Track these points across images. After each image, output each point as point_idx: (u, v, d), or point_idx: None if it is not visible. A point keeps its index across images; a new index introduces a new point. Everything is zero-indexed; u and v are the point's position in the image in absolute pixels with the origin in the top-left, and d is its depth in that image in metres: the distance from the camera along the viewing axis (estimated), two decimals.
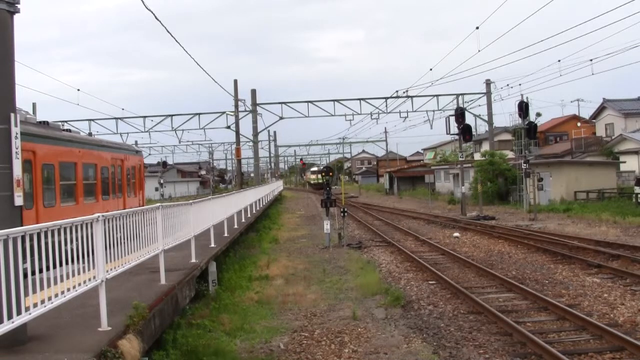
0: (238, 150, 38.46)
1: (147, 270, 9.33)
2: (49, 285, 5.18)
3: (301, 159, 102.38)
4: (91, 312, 6.58)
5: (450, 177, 50.79)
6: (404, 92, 41.55)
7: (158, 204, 8.90)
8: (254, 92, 42.31)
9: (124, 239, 6.96)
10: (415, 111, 43.76)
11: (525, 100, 30.95)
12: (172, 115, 45.63)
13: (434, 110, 44.07)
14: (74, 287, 5.61)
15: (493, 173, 38.96)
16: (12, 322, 4.76)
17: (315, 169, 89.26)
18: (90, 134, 28.24)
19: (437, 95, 42.98)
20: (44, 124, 14.11)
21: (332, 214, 22.53)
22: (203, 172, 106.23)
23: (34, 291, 5.14)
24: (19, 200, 5.78)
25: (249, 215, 24.34)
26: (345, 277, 14.58)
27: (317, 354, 8.45)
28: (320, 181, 23.99)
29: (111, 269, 6.45)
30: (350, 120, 46.83)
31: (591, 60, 30.08)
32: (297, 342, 9.11)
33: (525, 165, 29.89)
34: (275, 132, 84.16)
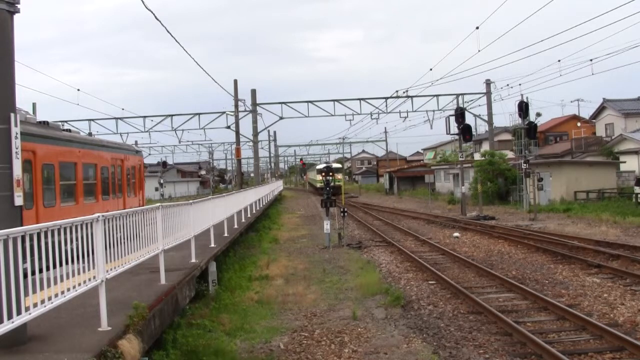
0: (238, 150, 38.44)
1: (147, 270, 9.32)
2: (49, 285, 5.18)
3: (301, 159, 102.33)
4: (91, 312, 6.58)
5: (450, 177, 50.79)
6: (404, 92, 41.56)
7: (158, 204, 8.89)
8: (253, 92, 42.30)
9: (124, 239, 6.95)
10: (415, 111, 43.80)
11: (525, 100, 30.99)
12: (172, 115, 45.65)
13: (434, 110, 44.10)
14: (74, 287, 5.60)
15: (493, 173, 38.96)
16: (12, 322, 4.76)
17: (321, 166, 72.63)
18: (90, 134, 28.25)
19: (437, 95, 42.99)
20: (44, 124, 14.10)
21: (332, 214, 22.53)
22: (203, 172, 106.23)
23: (34, 291, 5.14)
24: (19, 200, 5.77)
25: (249, 215, 24.34)
26: (345, 277, 14.58)
27: (317, 354, 8.45)
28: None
29: (111, 269, 6.44)
30: (350, 120, 46.72)
31: (591, 60, 30.02)
32: (297, 342, 9.11)
33: (525, 165, 29.89)
34: (275, 132, 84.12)
